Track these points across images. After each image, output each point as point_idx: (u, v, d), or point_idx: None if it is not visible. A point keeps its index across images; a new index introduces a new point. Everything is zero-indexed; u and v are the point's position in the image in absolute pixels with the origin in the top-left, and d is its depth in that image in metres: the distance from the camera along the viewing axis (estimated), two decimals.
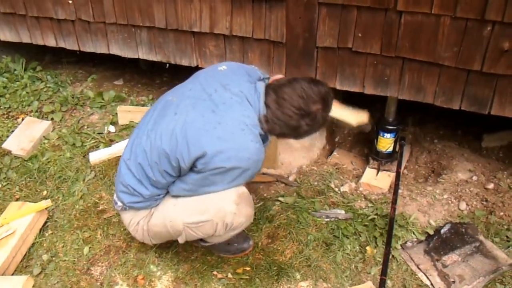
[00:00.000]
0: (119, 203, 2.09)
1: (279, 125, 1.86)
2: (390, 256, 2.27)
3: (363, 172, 2.79)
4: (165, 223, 2.03)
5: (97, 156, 2.95)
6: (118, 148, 2.97)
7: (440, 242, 2.32)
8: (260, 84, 1.92)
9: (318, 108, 1.83)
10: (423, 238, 2.38)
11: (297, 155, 2.93)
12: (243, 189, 1.99)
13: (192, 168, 1.87)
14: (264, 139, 1.91)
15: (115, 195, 2.13)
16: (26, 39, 3.43)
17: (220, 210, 1.93)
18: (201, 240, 2.22)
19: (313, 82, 1.86)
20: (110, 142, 3.12)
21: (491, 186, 2.62)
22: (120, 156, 2.96)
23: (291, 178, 2.81)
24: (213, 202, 1.94)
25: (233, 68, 2.03)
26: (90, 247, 2.45)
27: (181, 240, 2.09)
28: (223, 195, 1.93)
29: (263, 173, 2.83)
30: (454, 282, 2.15)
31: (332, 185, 2.73)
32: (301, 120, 1.83)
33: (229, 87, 1.89)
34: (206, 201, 1.95)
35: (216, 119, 1.82)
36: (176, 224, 2.00)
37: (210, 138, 1.79)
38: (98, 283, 2.29)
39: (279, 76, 1.99)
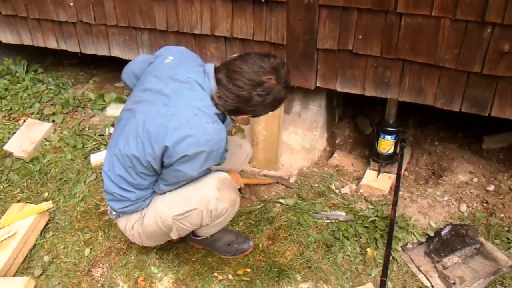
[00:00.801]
0: (113, 212, 2.13)
1: (231, 98, 1.82)
2: (391, 258, 2.27)
3: (363, 174, 2.79)
4: (156, 221, 2.05)
5: (98, 158, 2.96)
6: None
7: (441, 244, 2.32)
8: (209, 65, 1.91)
9: (269, 78, 1.80)
10: (423, 239, 2.39)
11: (298, 156, 2.94)
12: (224, 175, 2.02)
13: (162, 165, 1.90)
14: (223, 119, 1.89)
15: (108, 207, 2.16)
16: (27, 41, 3.44)
17: (203, 197, 1.96)
18: (196, 235, 2.27)
19: (265, 55, 1.84)
20: None
21: (491, 188, 2.62)
22: None
23: (291, 180, 2.82)
24: (196, 191, 1.98)
25: (179, 57, 2.00)
26: (91, 249, 2.45)
27: (173, 236, 2.10)
28: (205, 183, 1.97)
29: (264, 175, 2.84)
30: (454, 283, 2.15)
31: (333, 187, 2.73)
32: (252, 90, 1.79)
33: (176, 76, 1.88)
34: (189, 191, 1.99)
35: (169, 111, 1.82)
36: (165, 219, 2.02)
37: (167, 131, 1.80)
38: (99, 285, 2.29)
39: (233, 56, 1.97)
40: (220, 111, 1.86)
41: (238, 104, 1.84)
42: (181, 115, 1.81)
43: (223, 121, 1.88)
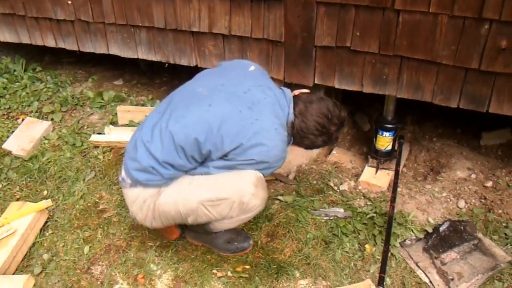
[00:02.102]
0: (129, 181, 2.07)
1: (301, 135, 2.06)
2: (389, 254, 2.28)
3: (362, 171, 2.80)
4: (177, 201, 2.03)
5: (98, 139, 3.08)
6: (117, 138, 3.06)
7: (439, 240, 2.33)
8: (287, 90, 2.12)
9: (335, 129, 2.07)
10: (422, 236, 2.39)
11: (297, 154, 2.94)
12: (260, 174, 2.06)
13: (221, 157, 1.99)
14: (288, 141, 2.09)
15: (123, 173, 2.10)
16: (25, 39, 3.44)
17: (239, 189, 2.00)
18: (205, 232, 2.28)
19: (336, 106, 2.09)
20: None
21: (489, 184, 2.62)
22: (118, 143, 3.00)
23: (290, 177, 2.82)
24: (232, 182, 2.01)
25: (261, 70, 2.21)
26: (90, 247, 2.46)
27: (190, 221, 2.09)
28: (242, 176, 2.02)
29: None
30: (452, 279, 2.15)
31: (331, 184, 2.74)
32: (319, 136, 2.06)
33: (262, 88, 2.05)
34: (224, 180, 2.02)
35: (253, 116, 1.95)
36: (190, 202, 2.02)
37: (247, 132, 1.92)
38: (99, 282, 2.30)
39: (304, 90, 2.20)
40: (288, 135, 2.07)
41: (304, 141, 2.10)
42: (264, 124, 1.96)
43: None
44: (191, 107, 1.99)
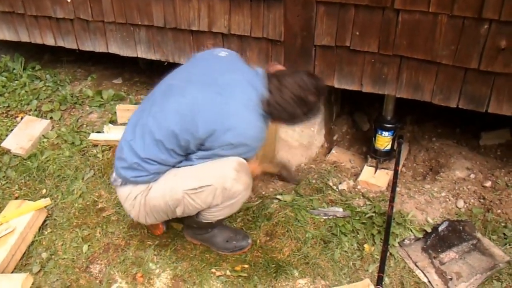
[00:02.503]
0: (119, 180, 2.13)
1: (278, 109, 1.99)
2: (388, 254, 2.28)
3: (361, 170, 2.80)
4: (164, 194, 2.06)
5: (97, 137, 3.08)
6: (116, 136, 3.03)
7: (438, 240, 2.33)
8: (260, 69, 2.10)
9: (314, 99, 2.01)
10: (420, 235, 2.39)
11: (296, 153, 2.94)
12: (243, 160, 2.06)
13: (199, 147, 2.00)
14: (265, 120, 2.05)
15: (114, 173, 2.16)
16: (25, 38, 3.43)
17: (221, 175, 2.01)
18: (199, 228, 2.29)
19: (312, 76, 2.06)
20: None
21: (488, 184, 2.62)
22: (117, 142, 3.02)
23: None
24: (214, 168, 2.02)
25: (232, 54, 2.20)
26: (89, 245, 2.45)
27: (179, 212, 2.11)
28: (223, 162, 2.02)
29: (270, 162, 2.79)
30: (451, 279, 2.16)
31: (331, 183, 2.74)
32: (297, 107, 1.99)
33: (232, 71, 2.06)
34: (206, 168, 2.03)
35: (223, 100, 1.94)
36: (176, 192, 2.04)
37: (219, 117, 1.93)
38: (97, 281, 2.30)
39: (278, 66, 2.20)
40: (264, 113, 2.02)
41: (283, 115, 2.02)
42: (234, 106, 1.95)
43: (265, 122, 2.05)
44: (166, 101, 2.02)
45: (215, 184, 2.00)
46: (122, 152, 2.09)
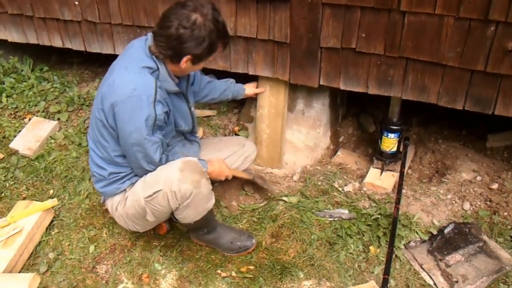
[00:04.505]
0: (102, 198, 2.28)
1: (164, 41, 1.93)
2: (393, 256, 2.28)
3: (367, 172, 2.80)
4: (133, 203, 2.12)
5: None
6: None
7: (444, 242, 2.33)
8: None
9: (192, 12, 1.88)
10: (426, 238, 2.39)
11: (301, 155, 2.95)
12: (190, 159, 2.10)
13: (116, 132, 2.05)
14: (157, 72, 2.02)
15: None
16: (33, 40, 3.46)
17: (167, 178, 2.03)
18: (196, 230, 2.34)
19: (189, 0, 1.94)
20: None
21: (495, 186, 2.61)
22: None
23: (295, 178, 2.82)
24: (162, 172, 2.06)
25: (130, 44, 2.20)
26: (95, 246, 2.47)
27: (150, 218, 2.14)
28: (170, 165, 2.07)
29: (244, 170, 2.68)
30: (457, 281, 2.15)
31: (336, 185, 2.74)
32: (179, 26, 1.87)
33: (124, 52, 2.14)
34: (157, 173, 2.08)
35: (111, 75, 2.03)
36: (139, 201, 2.09)
37: (106, 88, 2.01)
38: (104, 281, 2.31)
39: None
40: (160, 58, 1.99)
41: (171, 43, 1.92)
42: (115, 74, 2.00)
43: (157, 75, 2.01)
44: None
45: (164, 188, 2.02)
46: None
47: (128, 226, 2.27)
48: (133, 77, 1.95)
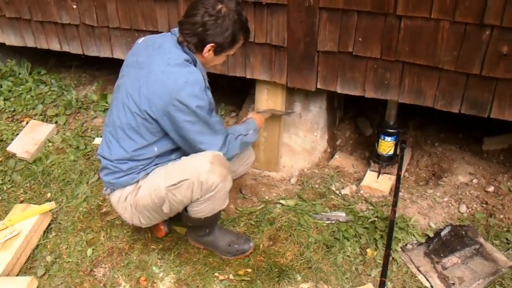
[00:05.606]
0: (108, 189, 2.22)
1: (189, 29, 1.97)
2: (390, 258, 2.29)
3: (364, 175, 2.81)
4: (150, 192, 2.10)
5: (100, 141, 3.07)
6: None
7: (440, 245, 2.34)
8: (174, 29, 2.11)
9: (217, 3, 1.94)
10: (423, 240, 2.40)
11: (299, 158, 2.96)
12: (219, 153, 2.10)
13: (157, 121, 2.02)
14: (194, 63, 2.05)
15: (104, 186, 2.26)
16: (30, 43, 3.47)
17: (196, 168, 2.04)
18: (198, 229, 2.32)
19: None
20: None
21: (491, 189, 2.63)
22: None
23: (292, 181, 2.83)
24: (190, 162, 2.07)
25: (147, 37, 2.22)
26: (93, 249, 2.47)
27: (166, 210, 2.14)
28: (199, 156, 2.08)
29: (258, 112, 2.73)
30: (454, 284, 2.16)
31: (333, 188, 2.75)
32: (204, 14, 1.93)
33: (151, 45, 2.10)
34: (184, 163, 2.09)
35: (146, 71, 2.01)
36: (159, 190, 2.08)
37: (147, 86, 1.98)
38: (101, 285, 2.31)
39: None
40: (187, 48, 2.01)
41: (196, 30, 1.96)
42: (157, 70, 1.98)
43: (195, 65, 2.05)
44: (113, 107, 2.17)
45: (191, 177, 2.03)
46: (101, 165, 2.22)
47: (132, 219, 2.22)
48: (181, 71, 1.98)
